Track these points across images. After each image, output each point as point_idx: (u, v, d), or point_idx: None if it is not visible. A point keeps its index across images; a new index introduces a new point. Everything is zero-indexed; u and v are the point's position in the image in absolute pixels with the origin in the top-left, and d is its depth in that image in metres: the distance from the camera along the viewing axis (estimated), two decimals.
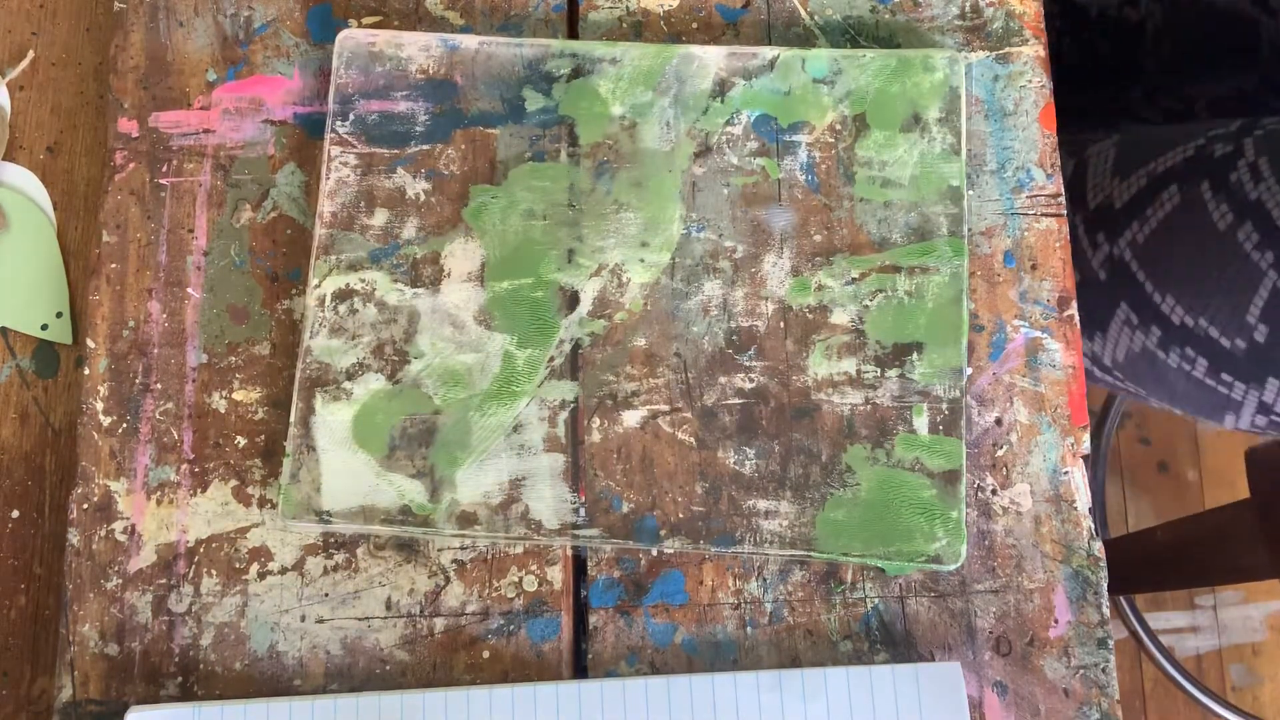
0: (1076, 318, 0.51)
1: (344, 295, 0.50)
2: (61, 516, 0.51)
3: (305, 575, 0.48)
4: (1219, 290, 0.55)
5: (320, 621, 0.47)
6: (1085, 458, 0.49)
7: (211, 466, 0.49)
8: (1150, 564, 1.02)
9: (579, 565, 0.49)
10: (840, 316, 0.50)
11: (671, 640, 0.47)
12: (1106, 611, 0.48)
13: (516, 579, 0.48)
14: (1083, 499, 0.49)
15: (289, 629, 0.47)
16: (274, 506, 0.48)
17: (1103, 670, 0.47)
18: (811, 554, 0.47)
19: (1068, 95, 0.80)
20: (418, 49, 0.52)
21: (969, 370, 0.50)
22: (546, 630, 0.47)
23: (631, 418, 0.49)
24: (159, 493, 0.49)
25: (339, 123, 0.51)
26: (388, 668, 0.47)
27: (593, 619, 0.48)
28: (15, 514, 0.51)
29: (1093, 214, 0.64)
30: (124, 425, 0.49)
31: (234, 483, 0.49)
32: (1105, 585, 0.48)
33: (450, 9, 0.54)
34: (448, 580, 0.48)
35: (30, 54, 0.56)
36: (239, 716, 0.45)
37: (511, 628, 0.47)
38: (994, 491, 0.49)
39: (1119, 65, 0.75)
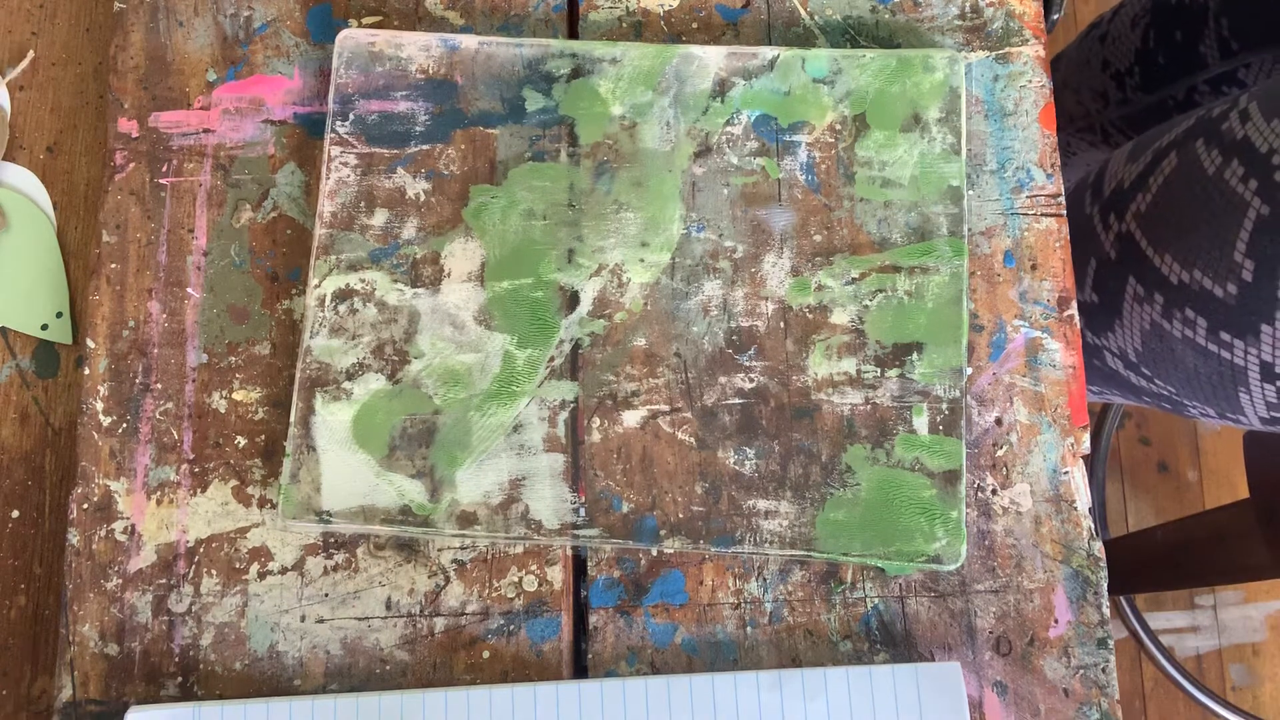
0: (1076, 317, 0.51)
1: (344, 295, 0.50)
2: (61, 516, 0.51)
3: (305, 575, 0.48)
4: (1208, 232, 0.56)
5: (320, 621, 0.47)
6: (1085, 458, 0.49)
7: (211, 466, 0.49)
8: (1150, 564, 1.02)
9: (579, 565, 0.49)
10: (840, 316, 0.50)
11: (671, 640, 0.47)
12: (1106, 611, 0.48)
13: (516, 579, 0.48)
14: (1083, 499, 0.49)
15: (289, 629, 0.47)
16: (274, 506, 0.48)
17: (1103, 670, 0.47)
18: (811, 554, 0.47)
19: (1146, 95, 0.81)
20: (418, 49, 0.52)
21: (969, 370, 0.50)
22: (546, 630, 0.47)
23: (631, 418, 0.49)
24: (159, 493, 0.49)
25: (339, 123, 0.51)
26: (388, 668, 0.47)
27: (593, 619, 0.48)
28: (15, 514, 0.51)
29: (1107, 201, 0.65)
30: (124, 425, 0.49)
31: (234, 483, 0.49)
32: (1105, 585, 0.48)
33: (450, 9, 0.54)
34: (448, 580, 0.48)
35: (30, 54, 0.56)
36: (239, 716, 0.45)
37: (511, 628, 0.47)
38: (994, 491, 0.49)
39: (1188, 55, 0.76)
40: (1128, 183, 0.63)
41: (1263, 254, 0.53)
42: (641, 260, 0.50)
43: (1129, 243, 0.62)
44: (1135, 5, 0.83)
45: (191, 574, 0.48)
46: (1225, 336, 0.56)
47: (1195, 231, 0.57)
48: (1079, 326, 0.51)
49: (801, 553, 0.47)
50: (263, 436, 0.49)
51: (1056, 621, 0.47)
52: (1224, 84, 0.76)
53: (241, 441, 0.49)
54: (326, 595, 0.48)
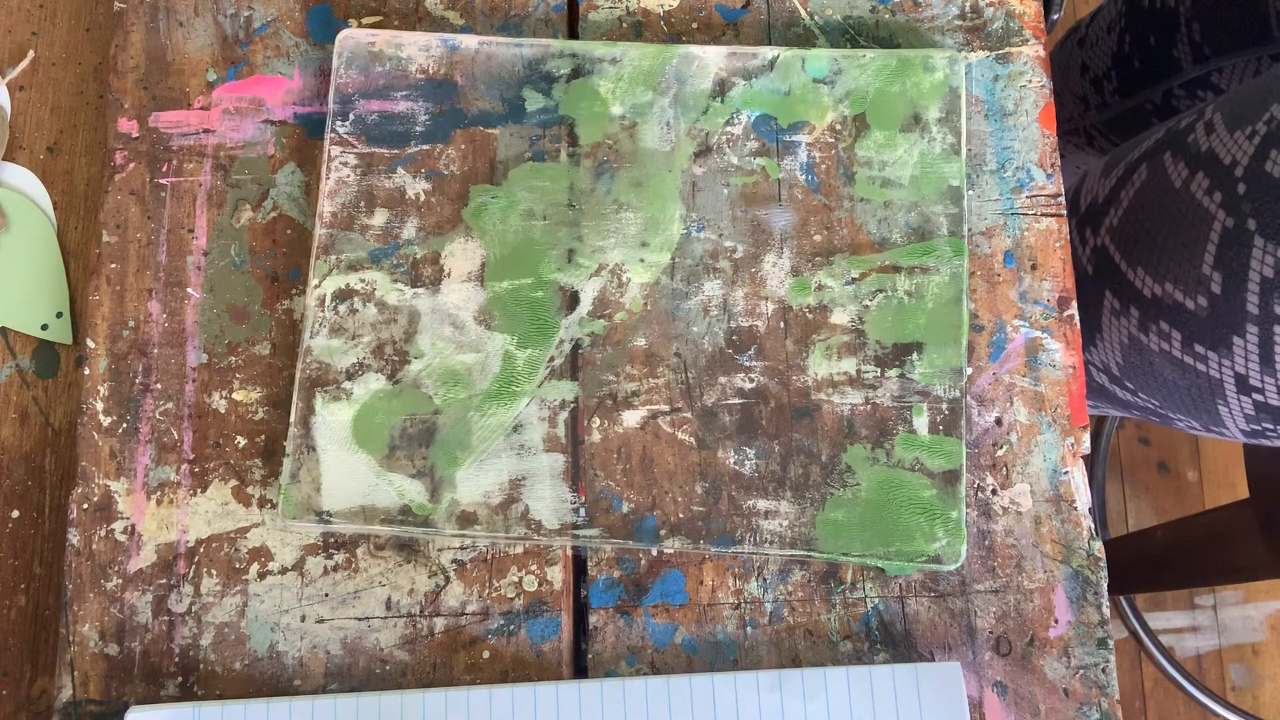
0: (1076, 318, 0.51)
1: (344, 295, 0.50)
2: (61, 516, 0.51)
3: (305, 575, 0.48)
4: (1176, 245, 0.56)
5: (320, 621, 0.47)
6: (1085, 458, 0.49)
7: (211, 466, 0.49)
8: (1150, 564, 1.03)
9: (579, 565, 0.49)
10: (840, 316, 0.50)
11: (671, 640, 0.47)
12: (1106, 611, 0.48)
13: (516, 579, 0.48)
14: (1083, 499, 0.49)
15: (289, 629, 0.47)
16: (274, 506, 0.48)
17: (1103, 670, 0.47)
18: (811, 554, 0.47)
19: (1124, 99, 0.82)
20: (418, 49, 0.52)
21: (969, 370, 0.50)
22: (546, 630, 0.47)
23: (631, 418, 0.49)
24: (159, 493, 0.49)
25: (339, 123, 0.51)
26: (388, 668, 0.47)
27: (593, 619, 0.48)
28: (15, 514, 0.51)
29: (1083, 216, 0.65)
30: (124, 425, 0.49)
31: (234, 483, 0.49)
32: (1105, 585, 0.48)
33: (450, 9, 0.54)
34: (448, 580, 0.48)
35: (30, 54, 0.56)
36: (239, 716, 0.45)
37: (511, 628, 0.47)
38: (994, 491, 0.49)
39: (1162, 59, 0.77)
40: (1101, 197, 0.64)
41: (1230, 266, 0.53)
42: (641, 260, 0.50)
43: (1104, 257, 0.62)
44: (1111, 10, 0.84)
45: (191, 574, 0.48)
46: (1199, 349, 0.56)
47: (1165, 245, 0.57)
48: (1079, 327, 0.51)
49: (801, 553, 0.47)
50: (263, 436, 0.49)
51: (1056, 621, 0.47)
52: (1199, 88, 0.77)
53: (241, 441, 0.49)
54: (326, 595, 0.48)
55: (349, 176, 0.51)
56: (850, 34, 0.54)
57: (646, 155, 0.51)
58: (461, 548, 0.48)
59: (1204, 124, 0.57)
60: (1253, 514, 0.84)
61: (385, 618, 0.47)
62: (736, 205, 0.51)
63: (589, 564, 0.48)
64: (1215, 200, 0.54)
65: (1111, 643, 0.47)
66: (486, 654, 0.47)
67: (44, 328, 0.53)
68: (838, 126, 0.51)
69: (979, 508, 0.49)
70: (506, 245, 0.50)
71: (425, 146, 0.51)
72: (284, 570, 0.48)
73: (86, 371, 0.50)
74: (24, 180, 0.55)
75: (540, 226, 0.50)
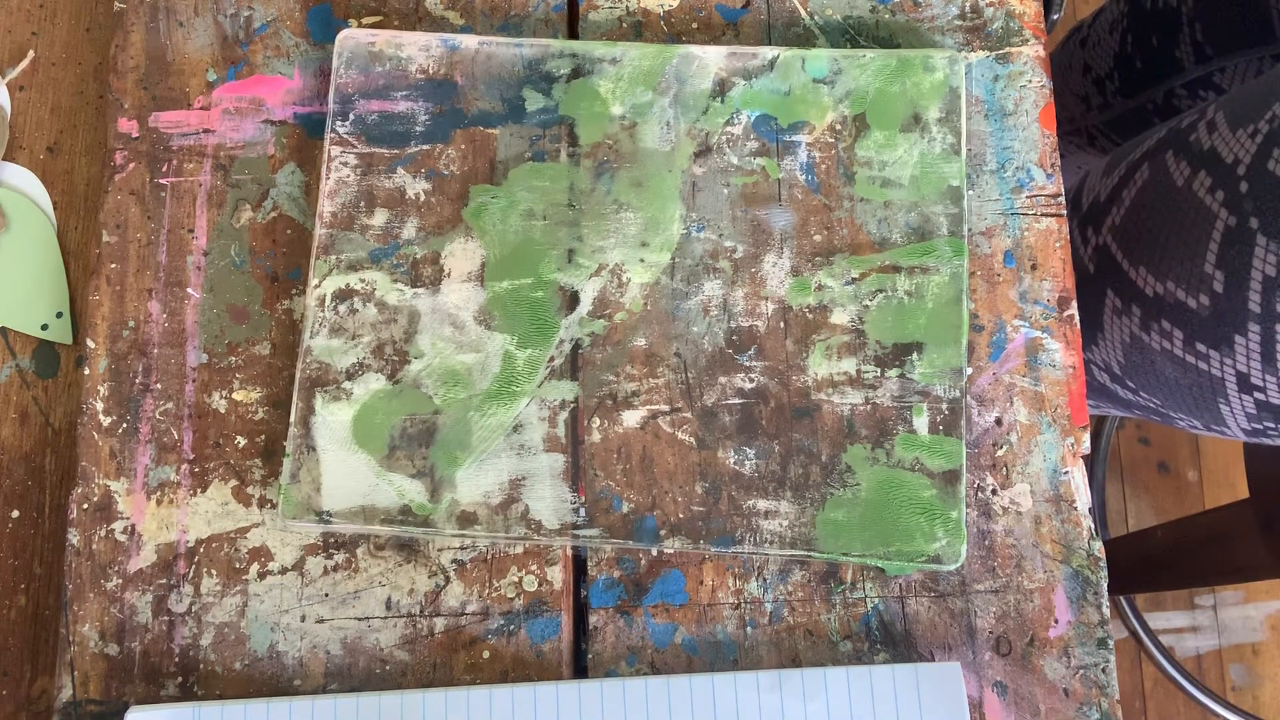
0: (1076, 317, 0.51)
1: (344, 295, 0.50)
2: (61, 516, 0.51)
3: (305, 575, 0.48)
4: (1179, 244, 0.56)
5: (320, 621, 0.47)
6: (1085, 458, 0.49)
7: (211, 466, 0.49)
8: (1150, 564, 1.03)
9: (579, 565, 0.49)
10: (840, 316, 0.50)
11: (671, 640, 0.47)
12: (1106, 611, 0.48)
13: (516, 579, 0.48)
14: (1083, 499, 0.49)
15: (289, 629, 0.47)
16: (274, 506, 0.48)
17: (1103, 670, 0.47)
18: (811, 554, 0.47)
19: (1126, 99, 0.82)
20: (418, 49, 0.52)
21: (969, 370, 0.50)
22: (546, 630, 0.47)
23: (631, 418, 0.49)
24: (159, 493, 0.49)
25: (339, 123, 0.51)
26: (388, 668, 0.47)
27: (593, 619, 0.48)
28: (15, 514, 0.51)
29: (1085, 215, 0.66)
30: (124, 425, 0.49)
31: (234, 483, 0.49)
32: (1105, 585, 0.48)
33: (450, 9, 0.54)
34: (448, 580, 0.48)
35: (30, 54, 0.56)
36: (239, 716, 0.45)
37: (511, 628, 0.47)
38: (994, 491, 0.49)
39: (1164, 59, 0.77)
40: (1104, 196, 0.64)
41: (1231, 265, 0.53)
42: (641, 260, 0.50)
43: (1106, 256, 0.62)
44: (1114, 10, 0.84)
45: (191, 574, 0.48)
46: (1201, 348, 0.57)
47: (1167, 244, 0.57)
48: (1079, 327, 0.51)
49: (801, 553, 0.47)
50: (263, 436, 0.49)
51: (1056, 621, 0.47)
52: (1201, 88, 0.77)
53: (241, 441, 0.49)
54: (326, 595, 0.48)
55: (349, 176, 0.51)
56: (850, 34, 0.54)
57: (646, 155, 0.51)
58: (461, 548, 0.48)
59: (1206, 123, 0.57)
60: (1253, 514, 0.84)
61: (385, 618, 0.47)
62: (736, 205, 0.51)
63: (589, 564, 0.48)
64: (1217, 199, 0.54)
65: (1111, 643, 0.47)
66: (486, 654, 0.47)
67: (44, 328, 0.53)
68: (838, 126, 0.51)
69: (979, 508, 0.49)
70: (506, 245, 0.50)
71: (425, 146, 0.51)
72: (284, 570, 0.48)
73: (86, 371, 0.50)
74: (24, 180, 0.55)
75: (540, 226, 0.50)
